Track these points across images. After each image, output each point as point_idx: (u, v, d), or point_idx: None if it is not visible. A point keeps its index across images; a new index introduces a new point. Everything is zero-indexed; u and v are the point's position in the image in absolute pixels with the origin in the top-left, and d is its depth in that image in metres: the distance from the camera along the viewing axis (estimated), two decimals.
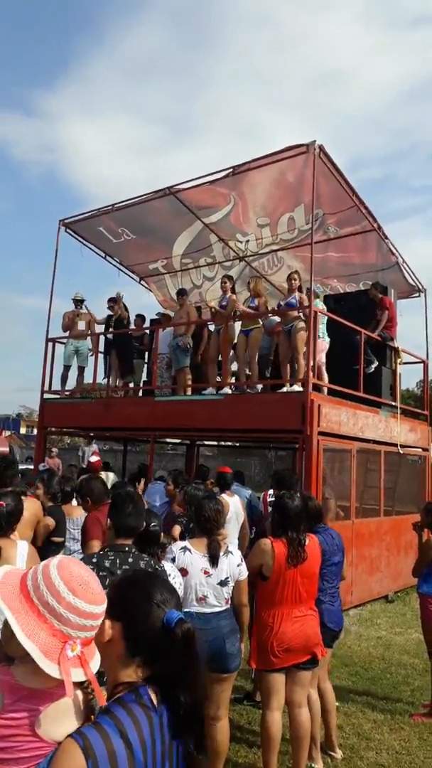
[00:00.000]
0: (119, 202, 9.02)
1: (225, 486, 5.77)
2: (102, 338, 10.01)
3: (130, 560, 2.60)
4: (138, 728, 1.17)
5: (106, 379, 9.95)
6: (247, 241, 10.17)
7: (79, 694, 1.30)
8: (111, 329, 9.83)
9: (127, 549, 2.64)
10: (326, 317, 7.93)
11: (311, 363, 6.96)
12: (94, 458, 7.47)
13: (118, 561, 2.57)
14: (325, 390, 7.54)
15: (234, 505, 5.59)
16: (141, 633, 1.25)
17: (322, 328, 7.78)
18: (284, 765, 3.46)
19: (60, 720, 1.24)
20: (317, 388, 7.06)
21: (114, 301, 9.81)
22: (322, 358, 7.76)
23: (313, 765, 3.53)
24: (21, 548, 3.09)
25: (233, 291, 8.59)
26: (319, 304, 7.89)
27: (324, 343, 7.80)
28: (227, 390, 8.04)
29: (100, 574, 2.52)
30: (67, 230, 10.07)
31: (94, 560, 2.58)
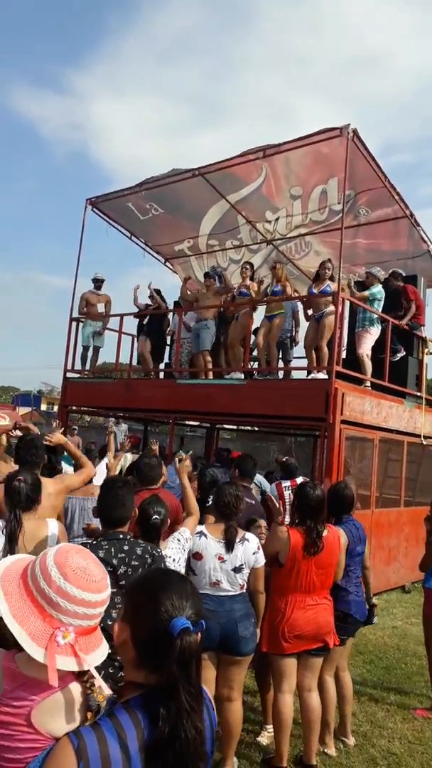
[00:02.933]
0: (146, 180, 8.93)
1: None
2: (136, 323, 10.19)
3: (126, 548, 2.54)
4: (140, 737, 1.09)
5: (135, 363, 10.10)
6: (277, 219, 9.98)
7: (77, 687, 1.27)
8: (147, 319, 9.94)
9: (121, 537, 2.60)
10: (381, 305, 7.85)
11: (336, 350, 6.88)
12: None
13: (113, 550, 2.52)
14: (368, 383, 7.56)
15: None
16: (144, 641, 1.17)
17: (369, 315, 7.71)
18: (297, 747, 3.49)
19: (55, 713, 1.21)
20: (342, 376, 6.98)
21: (157, 293, 9.90)
22: (366, 349, 7.71)
23: (325, 750, 3.55)
24: (52, 527, 2.90)
25: (252, 279, 8.60)
26: (378, 294, 7.80)
27: (370, 332, 7.72)
28: (240, 375, 8.04)
29: None
30: (94, 209, 10.04)
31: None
